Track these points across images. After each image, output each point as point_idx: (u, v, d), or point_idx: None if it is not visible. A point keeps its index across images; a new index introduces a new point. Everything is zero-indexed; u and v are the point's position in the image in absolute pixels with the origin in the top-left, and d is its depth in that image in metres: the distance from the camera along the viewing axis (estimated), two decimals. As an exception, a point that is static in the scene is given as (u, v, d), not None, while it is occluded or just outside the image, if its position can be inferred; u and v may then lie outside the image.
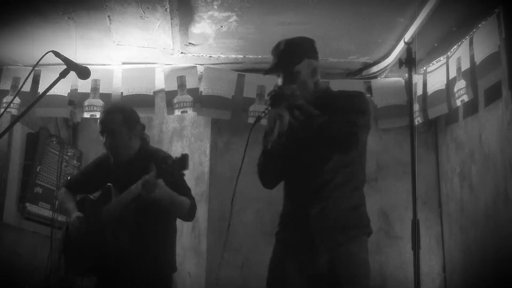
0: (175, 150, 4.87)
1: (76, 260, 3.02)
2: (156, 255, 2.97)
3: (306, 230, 2.46)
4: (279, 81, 2.54)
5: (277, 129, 2.47)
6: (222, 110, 4.42)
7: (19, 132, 4.52)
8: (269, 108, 2.40)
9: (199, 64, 4.48)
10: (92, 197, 3.17)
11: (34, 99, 2.57)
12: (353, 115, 2.39)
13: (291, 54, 2.52)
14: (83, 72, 2.49)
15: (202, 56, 4.38)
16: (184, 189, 2.97)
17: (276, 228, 2.65)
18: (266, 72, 2.62)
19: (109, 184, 3.01)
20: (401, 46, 3.97)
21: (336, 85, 4.54)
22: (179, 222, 4.66)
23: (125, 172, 2.97)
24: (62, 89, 4.38)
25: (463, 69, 3.80)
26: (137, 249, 2.91)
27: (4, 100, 4.40)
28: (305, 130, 2.38)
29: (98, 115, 4.45)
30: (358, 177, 2.55)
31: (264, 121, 4.39)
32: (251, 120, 4.41)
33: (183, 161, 2.68)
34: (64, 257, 3.08)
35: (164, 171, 2.70)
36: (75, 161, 4.92)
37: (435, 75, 4.25)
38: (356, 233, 2.46)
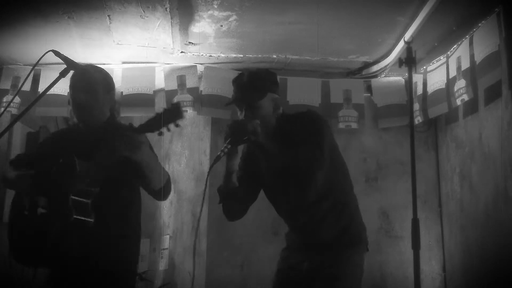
0: (175, 149, 4.88)
1: (28, 247, 2.52)
2: (123, 236, 2.58)
3: (301, 244, 2.63)
4: (239, 114, 2.53)
5: (226, 167, 2.51)
6: (222, 110, 4.41)
7: (19, 132, 4.52)
8: (228, 146, 2.37)
9: (199, 64, 4.49)
10: (46, 172, 2.67)
11: (34, 98, 2.56)
12: (314, 144, 2.39)
13: (254, 89, 2.48)
14: (82, 71, 2.47)
15: (202, 55, 4.38)
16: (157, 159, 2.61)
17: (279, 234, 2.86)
18: (228, 103, 2.59)
19: (60, 159, 2.52)
20: (401, 45, 3.97)
21: (336, 84, 4.58)
22: (178, 222, 4.68)
23: (93, 140, 2.55)
24: (62, 88, 4.38)
25: (463, 68, 3.80)
26: (102, 227, 2.46)
27: (4, 99, 4.40)
28: (269, 165, 2.47)
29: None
30: (342, 194, 2.61)
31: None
32: (251, 120, 4.40)
33: (176, 109, 2.41)
34: (12, 242, 2.58)
35: (152, 124, 2.37)
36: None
37: (435, 75, 4.25)
38: (349, 252, 2.53)
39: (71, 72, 2.67)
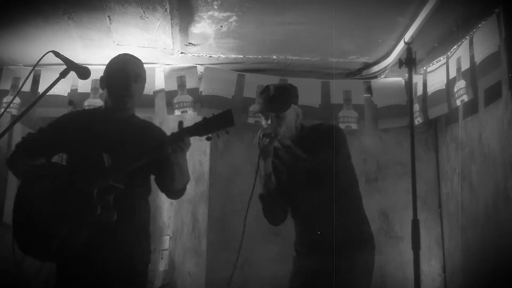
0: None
1: (39, 239, 2.48)
2: (131, 238, 2.53)
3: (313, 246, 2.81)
4: (264, 123, 2.82)
5: (263, 171, 2.78)
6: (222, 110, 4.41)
7: (19, 132, 4.51)
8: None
9: (199, 64, 4.49)
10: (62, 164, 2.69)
11: (34, 99, 2.56)
12: (331, 152, 2.70)
13: (283, 100, 2.78)
14: (83, 72, 2.48)
15: (202, 56, 4.38)
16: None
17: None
18: (256, 112, 2.98)
19: (101, 151, 2.45)
20: (401, 46, 3.97)
21: (336, 85, 4.58)
22: (178, 222, 4.68)
23: (120, 133, 2.54)
24: (62, 89, 4.39)
25: (463, 69, 3.80)
26: (121, 225, 2.45)
27: (4, 100, 4.41)
28: (293, 169, 2.78)
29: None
30: (354, 200, 2.87)
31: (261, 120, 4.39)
32: (251, 120, 4.41)
33: (228, 116, 2.38)
34: (19, 235, 2.56)
35: (198, 128, 2.37)
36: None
37: (435, 75, 4.25)
38: (362, 250, 2.79)
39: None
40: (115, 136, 2.55)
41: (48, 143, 2.67)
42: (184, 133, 2.41)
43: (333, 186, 2.69)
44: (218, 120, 2.40)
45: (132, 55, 2.75)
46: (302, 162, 2.71)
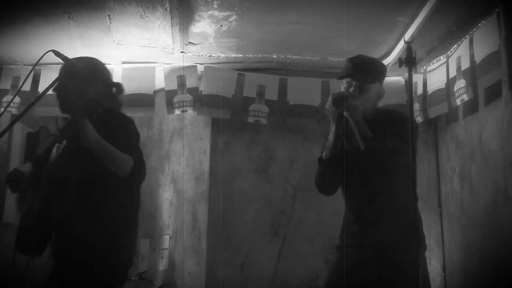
0: (175, 149, 4.88)
1: (25, 236, 2.58)
2: (107, 231, 2.48)
3: (364, 236, 2.60)
4: (346, 90, 2.65)
5: (332, 135, 2.59)
6: (222, 110, 4.41)
7: (19, 132, 4.52)
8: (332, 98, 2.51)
9: (199, 64, 4.48)
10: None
11: (34, 98, 2.56)
12: (399, 141, 2.48)
13: (369, 72, 2.65)
14: (82, 71, 2.48)
15: (202, 55, 4.38)
16: (126, 146, 2.49)
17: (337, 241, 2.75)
18: (340, 77, 2.71)
19: (58, 144, 2.56)
20: (401, 45, 3.97)
21: (336, 84, 4.56)
22: (178, 222, 4.68)
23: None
24: (62, 88, 4.38)
25: (463, 68, 3.80)
26: (81, 218, 2.44)
27: (4, 99, 4.40)
28: (354, 146, 2.55)
29: (98, 114, 4.45)
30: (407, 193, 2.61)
31: (264, 120, 4.40)
32: (251, 120, 4.41)
33: (111, 93, 2.41)
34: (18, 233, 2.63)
35: (90, 108, 2.37)
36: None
37: (435, 75, 4.25)
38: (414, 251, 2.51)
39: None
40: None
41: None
42: (73, 117, 2.39)
43: (389, 176, 2.54)
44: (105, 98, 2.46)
45: (77, 57, 2.71)
46: (368, 142, 2.50)
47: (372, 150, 2.48)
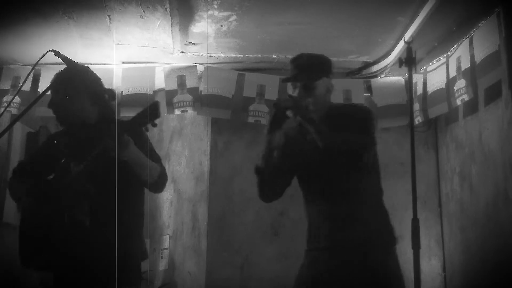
0: (175, 149, 4.88)
1: (33, 252, 2.66)
2: (123, 234, 2.54)
3: (334, 238, 2.52)
4: (292, 91, 2.60)
5: (268, 143, 2.57)
6: (222, 110, 4.41)
7: (19, 132, 4.52)
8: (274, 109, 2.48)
9: (199, 64, 4.48)
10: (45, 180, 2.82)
11: (34, 98, 2.56)
12: (359, 134, 2.47)
13: (313, 70, 2.58)
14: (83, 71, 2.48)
15: (202, 55, 4.38)
16: (153, 154, 2.65)
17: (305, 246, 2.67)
18: (284, 80, 2.67)
19: (62, 160, 2.66)
20: (401, 45, 3.97)
21: (336, 84, 4.56)
22: (178, 222, 4.68)
23: (85, 140, 2.60)
24: (62, 88, 4.38)
25: (463, 68, 3.80)
26: (100, 225, 2.53)
27: (4, 99, 4.40)
28: (311, 145, 2.48)
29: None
30: (379, 190, 2.64)
31: (264, 120, 4.39)
32: (251, 120, 4.41)
33: (154, 108, 2.44)
34: (20, 249, 2.73)
35: (133, 123, 2.44)
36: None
37: (435, 75, 4.25)
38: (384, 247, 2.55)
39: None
40: (79, 144, 2.65)
41: (34, 164, 2.86)
42: (121, 128, 2.45)
43: (354, 171, 2.48)
44: (145, 114, 2.44)
45: (66, 68, 2.69)
46: (324, 140, 2.43)
47: (331, 148, 2.44)
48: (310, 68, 2.57)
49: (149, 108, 2.45)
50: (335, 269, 2.47)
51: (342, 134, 2.44)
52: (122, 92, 4.45)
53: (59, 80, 2.67)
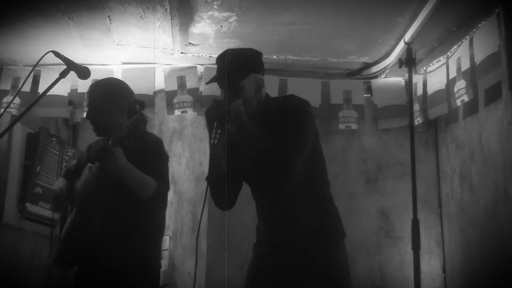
0: (175, 150, 4.87)
1: (61, 251, 2.78)
2: (135, 240, 2.66)
3: (276, 238, 2.45)
4: (221, 93, 2.45)
5: (211, 153, 2.47)
6: (222, 110, 4.41)
7: (19, 132, 4.52)
8: (219, 131, 2.32)
9: (199, 64, 4.48)
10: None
11: (34, 99, 2.56)
12: (291, 131, 2.30)
13: (237, 68, 2.38)
14: (83, 72, 2.48)
15: (202, 56, 4.38)
16: (152, 169, 2.64)
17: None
18: (208, 82, 2.51)
19: (90, 165, 2.77)
20: (401, 46, 3.97)
21: (336, 85, 4.58)
22: (178, 222, 4.68)
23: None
24: (62, 89, 4.38)
25: (463, 69, 3.80)
26: (112, 232, 2.64)
27: (4, 100, 4.40)
28: (249, 147, 2.35)
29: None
30: (319, 184, 2.48)
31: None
32: (251, 120, 4.40)
33: (137, 120, 2.45)
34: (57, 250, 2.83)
35: (121, 135, 2.44)
36: (75, 161, 4.92)
37: (435, 75, 4.25)
38: (330, 248, 2.38)
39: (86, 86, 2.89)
40: None
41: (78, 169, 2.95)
42: (101, 142, 2.54)
43: (296, 168, 2.32)
44: (132, 125, 2.46)
45: (97, 83, 2.92)
46: (258, 141, 2.28)
47: (260, 153, 2.29)
48: (234, 67, 2.37)
49: (135, 118, 2.47)
50: (277, 264, 2.41)
51: (271, 137, 2.27)
52: (123, 87, 4.43)
53: (96, 92, 2.81)
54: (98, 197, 2.64)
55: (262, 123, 2.35)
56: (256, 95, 2.42)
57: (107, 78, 3.08)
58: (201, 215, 2.56)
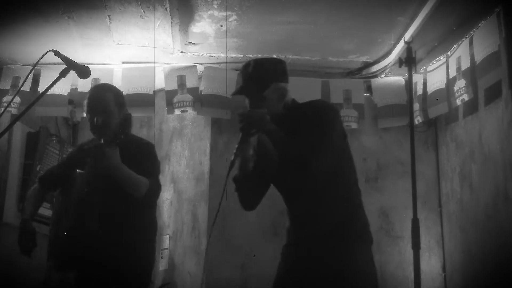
0: (175, 149, 4.87)
1: (56, 257, 2.93)
2: (130, 240, 2.78)
3: (299, 238, 2.51)
4: (246, 102, 2.53)
5: (241, 155, 2.54)
6: (222, 110, 4.41)
7: (19, 132, 4.52)
8: (237, 147, 2.46)
9: (199, 64, 4.48)
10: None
11: (34, 98, 2.56)
12: (318, 132, 2.36)
13: (259, 79, 2.47)
14: (83, 71, 2.49)
15: (202, 55, 4.38)
16: (144, 169, 2.77)
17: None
18: (233, 94, 2.60)
19: (79, 171, 2.87)
20: (401, 45, 3.97)
21: (336, 84, 4.58)
22: (178, 222, 4.68)
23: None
24: (62, 88, 4.38)
25: (463, 68, 3.80)
26: (107, 232, 2.73)
27: (4, 99, 4.40)
28: (273, 153, 2.45)
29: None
30: (345, 186, 2.52)
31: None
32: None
33: (125, 121, 2.63)
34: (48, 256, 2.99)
35: (112, 136, 2.59)
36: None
37: (435, 75, 4.25)
38: (353, 246, 2.41)
39: (86, 93, 2.98)
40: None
41: (60, 175, 3.07)
42: (99, 145, 2.62)
43: (319, 169, 2.37)
44: (119, 127, 2.62)
45: (102, 88, 3.09)
46: (283, 145, 2.38)
47: (284, 154, 2.39)
48: (255, 78, 2.47)
49: (121, 120, 2.61)
50: (299, 263, 2.47)
51: (295, 140, 2.36)
52: (122, 92, 4.44)
53: (105, 97, 2.90)
54: (93, 197, 2.72)
55: (287, 127, 2.42)
56: (279, 103, 2.50)
57: (107, 83, 3.31)
58: (217, 211, 2.66)
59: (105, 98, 2.89)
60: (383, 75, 4.56)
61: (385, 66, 4.37)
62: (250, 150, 2.55)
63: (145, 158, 2.84)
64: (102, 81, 4.46)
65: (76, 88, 4.51)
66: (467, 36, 3.76)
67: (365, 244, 2.46)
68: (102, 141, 2.57)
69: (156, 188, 2.83)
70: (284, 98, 2.52)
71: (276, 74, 2.53)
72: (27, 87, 4.29)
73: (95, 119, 2.85)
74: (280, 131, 2.39)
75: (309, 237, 2.46)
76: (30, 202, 3.07)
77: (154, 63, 4.49)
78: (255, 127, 2.41)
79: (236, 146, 2.46)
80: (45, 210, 4.59)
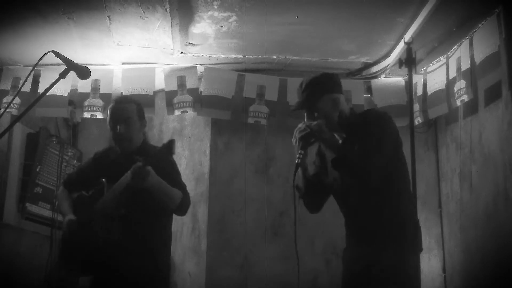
0: (175, 150, 4.87)
1: (71, 260, 3.01)
2: (152, 250, 2.93)
3: (354, 244, 2.69)
4: (305, 116, 2.71)
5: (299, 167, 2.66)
6: (222, 110, 4.42)
7: (19, 132, 4.52)
8: (302, 152, 2.59)
9: (199, 64, 4.48)
10: (86, 195, 3.16)
11: (34, 99, 2.56)
12: (376, 141, 2.53)
13: (311, 93, 2.66)
14: (83, 72, 2.49)
15: (202, 56, 4.38)
16: (176, 182, 2.96)
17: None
18: (293, 109, 2.78)
19: (102, 179, 3.02)
20: (401, 46, 3.97)
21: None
22: (179, 222, 4.68)
23: (126, 164, 2.88)
24: (62, 89, 4.38)
25: (463, 69, 3.80)
26: (130, 243, 2.88)
27: (4, 100, 4.40)
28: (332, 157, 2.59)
29: (98, 115, 4.45)
30: (398, 195, 2.63)
31: (264, 121, 4.39)
32: (251, 120, 4.41)
33: (169, 146, 2.73)
34: (62, 258, 3.06)
35: (152, 158, 2.74)
36: (75, 161, 4.92)
37: (435, 75, 4.25)
38: (404, 252, 2.56)
39: (109, 104, 3.09)
40: (119, 167, 2.91)
41: (83, 180, 3.20)
42: (139, 165, 2.73)
43: (376, 177, 2.51)
44: (163, 150, 2.75)
45: (125, 99, 3.22)
46: (342, 152, 2.53)
47: (344, 158, 2.52)
48: (308, 93, 2.66)
49: (166, 145, 2.73)
50: (356, 269, 2.61)
51: (352, 149, 2.52)
52: (122, 93, 4.45)
53: (127, 109, 3.00)
54: (120, 210, 2.86)
55: (347, 136, 2.64)
56: (334, 112, 2.65)
57: (129, 96, 3.60)
58: (295, 216, 2.69)
59: (128, 108, 3.00)
60: (383, 76, 4.56)
61: (385, 67, 4.37)
62: (308, 159, 2.71)
63: (174, 171, 3.02)
64: (102, 82, 4.48)
65: (76, 89, 4.51)
66: (467, 37, 3.76)
67: (413, 253, 2.61)
68: (140, 161, 2.70)
69: (188, 199, 2.99)
70: (337, 108, 2.67)
71: (327, 86, 2.70)
72: (27, 87, 4.29)
73: (118, 127, 2.95)
74: (337, 140, 2.61)
75: (362, 246, 2.62)
76: (65, 204, 3.14)
77: (154, 63, 4.49)
78: (314, 137, 2.58)
79: (299, 151, 2.60)
80: (45, 211, 4.60)
